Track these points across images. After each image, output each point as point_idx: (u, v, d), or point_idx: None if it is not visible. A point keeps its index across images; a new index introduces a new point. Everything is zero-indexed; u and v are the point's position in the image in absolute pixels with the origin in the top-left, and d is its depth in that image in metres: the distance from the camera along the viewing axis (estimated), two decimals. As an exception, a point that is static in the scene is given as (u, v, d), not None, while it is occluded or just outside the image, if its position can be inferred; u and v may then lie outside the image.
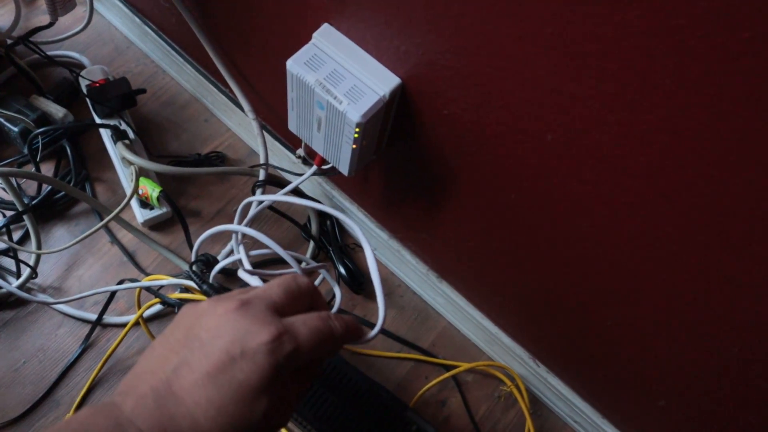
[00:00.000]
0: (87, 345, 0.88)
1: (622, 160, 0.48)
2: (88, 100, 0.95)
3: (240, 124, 1.02)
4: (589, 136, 0.48)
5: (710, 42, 0.36)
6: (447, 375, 0.90)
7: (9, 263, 0.89)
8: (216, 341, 0.40)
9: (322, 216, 0.97)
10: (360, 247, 0.98)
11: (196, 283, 0.70)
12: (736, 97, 0.38)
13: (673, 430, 0.72)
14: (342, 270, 0.93)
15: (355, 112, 0.58)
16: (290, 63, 0.61)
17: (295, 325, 0.41)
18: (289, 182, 0.83)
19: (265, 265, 0.95)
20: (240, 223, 0.57)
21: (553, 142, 0.52)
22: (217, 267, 0.71)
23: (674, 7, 0.36)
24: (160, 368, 0.40)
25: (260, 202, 0.69)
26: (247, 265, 0.63)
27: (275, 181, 0.93)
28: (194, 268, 0.72)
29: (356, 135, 0.61)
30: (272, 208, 0.91)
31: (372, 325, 0.91)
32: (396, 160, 0.73)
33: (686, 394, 0.64)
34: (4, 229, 0.91)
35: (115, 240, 0.95)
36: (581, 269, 0.62)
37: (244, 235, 0.65)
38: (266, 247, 0.57)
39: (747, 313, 0.49)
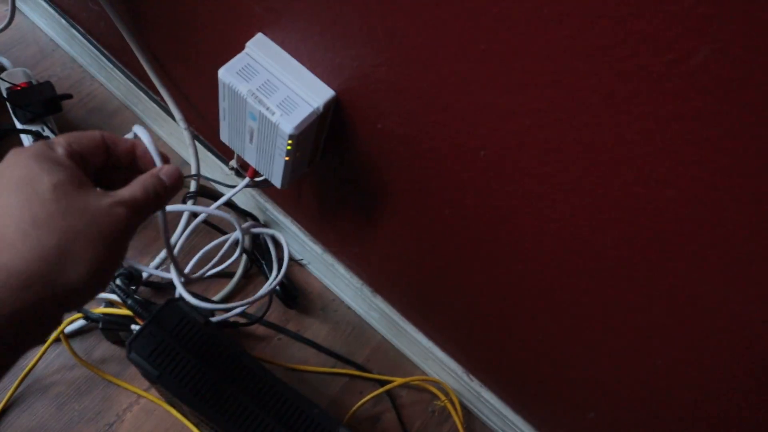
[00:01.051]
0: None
1: (551, 177, 0.48)
2: (8, 103, 0.90)
3: (171, 134, 0.99)
4: (520, 152, 0.49)
5: (635, 61, 0.37)
6: (381, 390, 0.89)
7: None
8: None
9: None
10: (294, 261, 0.96)
11: (121, 298, 0.67)
12: (662, 116, 0.39)
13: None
14: (275, 284, 0.91)
15: (287, 123, 0.57)
16: (222, 72, 0.59)
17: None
18: (221, 194, 0.81)
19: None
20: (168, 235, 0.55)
21: (485, 158, 0.52)
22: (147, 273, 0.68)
23: (593, 24, 0.37)
24: None
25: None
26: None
27: (207, 193, 0.91)
28: (117, 281, 0.69)
29: (289, 147, 0.60)
30: (205, 221, 0.89)
31: (307, 341, 0.90)
32: (330, 173, 0.73)
33: (616, 407, 0.65)
34: None
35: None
36: (512, 284, 0.63)
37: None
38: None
39: (673, 326, 0.51)
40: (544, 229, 0.53)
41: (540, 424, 0.83)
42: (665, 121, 0.38)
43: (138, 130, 0.42)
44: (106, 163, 0.42)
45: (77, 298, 0.37)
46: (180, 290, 0.65)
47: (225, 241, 0.76)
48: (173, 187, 0.42)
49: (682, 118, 0.38)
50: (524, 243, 0.56)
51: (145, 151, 0.43)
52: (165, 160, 0.43)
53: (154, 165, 0.43)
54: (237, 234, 0.71)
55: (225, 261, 0.72)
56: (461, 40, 0.45)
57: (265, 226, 0.93)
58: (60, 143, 0.39)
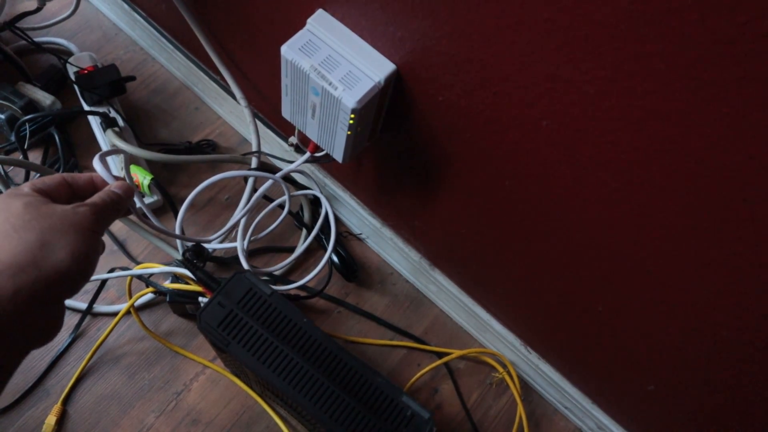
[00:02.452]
0: (77, 334, 0.88)
1: (615, 146, 0.48)
2: (76, 87, 0.94)
3: (231, 112, 1.02)
4: (584, 122, 0.49)
5: (705, 25, 0.36)
6: (439, 362, 0.91)
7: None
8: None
9: (314, 204, 0.96)
10: (353, 235, 0.98)
11: (191, 271, 0.69)
12: (731, 81, 0.38)
13: (662, 415, 0.73)
14: (335, 258, 0.93)
15: (350, 98, 0.58)
16: (285, 49, 0.61)
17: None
18: (281, 170, 0.83)
19: (260, 253, 0.95)
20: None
21: (547, 129, 0.52)
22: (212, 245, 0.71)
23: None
24: None
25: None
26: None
27: (268, 169, 0.93)
28: (187, 255, 0.71)
29: (351, 121, 0.61)
30: (266, 196, 0.91)
31: (366, 314, 0.92)
32: (390, 147, 0.73)
33: (677, 379, 0.65)
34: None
35: (105, 228, 0.94)
36: (572, 255, 0.62)
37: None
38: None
39: (738, 296, 0.50)
40: (607, 198, 0.53)
41: (598, 396, 0.83)
42: (734, 86, 0.38)
43: (95, 163, 0.48)
44: (72, 198, 0.47)
45: (66, 281, 0.42)
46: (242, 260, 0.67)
47: (277, 210, 0.77)
48: (126, 195, 0.48)
49: (753, 81, 0.37)
50: (586, 213, 0.56)
51: (102, 180, 0.48)
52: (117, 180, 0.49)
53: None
54: (285, 198, 0.73)
55: (284, 236, 0.74)
56: (524, 10, 0.45)
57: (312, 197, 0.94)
58: (26, 185, 0.45)
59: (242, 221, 0.80)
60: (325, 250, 0.93)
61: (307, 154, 0.76)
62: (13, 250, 0.40)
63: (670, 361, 0.63)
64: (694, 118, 0.42)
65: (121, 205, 0.48)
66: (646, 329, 0.62)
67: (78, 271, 0.42)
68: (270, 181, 0.70)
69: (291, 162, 0.80)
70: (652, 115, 0.44)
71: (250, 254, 0.94)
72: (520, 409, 0.88)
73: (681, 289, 0.54)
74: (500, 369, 0.91)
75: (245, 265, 0.70)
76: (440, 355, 0.92)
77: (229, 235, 0.93)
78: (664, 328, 0.60)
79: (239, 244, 0.70)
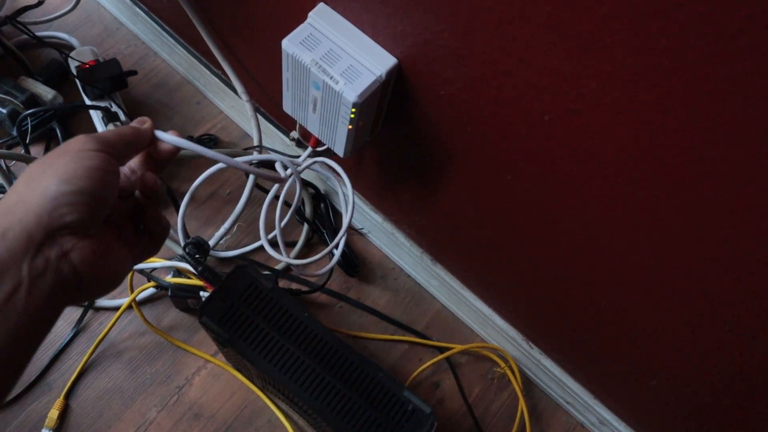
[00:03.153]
0: (79, 329, 0.88)
1: (617, 140, 0.48)
2: (77, 81, 0.93)
3: (233, 107, 1.02)
4: (586, 116, 0.48)
5: (709, 19, 0.36)
6: (441, 357, 0.91)
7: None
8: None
9: (315, 199, 0.96)
10: (355, 230, 0.98)
11: (191, 265, 0.69)
12: (733, 76, 0.38)
13: (664, 410, 0.73)
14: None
15: (351, 92, 0.58)
16: (286, 43, 0.60)
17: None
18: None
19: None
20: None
21: (549, 123, 0.52)
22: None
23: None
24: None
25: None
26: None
27: (269, 164, 0.93)
28: (188, 249, 0.71)
29: (352, 115, 0.60)
30: (265, 190, 0.90)
31: (367, 309, 0.92)
32: (391, 142, 0.73)
33: (680, 374, 0.65)
34: (-6, 212, 0.90)
35: (106, 223, 0.94)
36: (575, 250, 0.62)
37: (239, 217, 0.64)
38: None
39: (745, 293, 0.50)
40: (609, 193, 0.53)
41: (600, 391, 0.83)
42: (739, 80, 0.38)
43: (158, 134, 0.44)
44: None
45: (61, 206, 0.37)
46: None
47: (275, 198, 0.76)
48: (141, 125, 0.44)
49: (757, 75, 0.37)
50: (588, 208, 0.56)
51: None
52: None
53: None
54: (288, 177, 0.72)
55: (286, 231, 0.73)
56: (526, 3, 0.45)
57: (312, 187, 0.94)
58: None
59: (262, 216, 0.79)
60: (327, 245, 0.93)
61: (309, 149, 0.76)
62: (4, 201, 0.37)
63: (673, 356, 0.63)
64: (698, 111, 0.41)
65: (130, 137, 0.42)
66: (649, 324, 0.62)
67: (72, 191, 0.37)
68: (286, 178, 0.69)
69: (297, 156, 0.80)
70: (656, 109, 0.44)
71: (250, 251, 0.94)
72: (522, 404, 0.88)
73: (687, 283, 0.54)
74: (502, 364, 0.91)
75: (283, 256, 0.68)
76: (442, 349, 0.92)
77: (230, 231, 0.93)
78: (668, 324, 0.60)
79: (263, 239, 0.69)
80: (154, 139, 0.44)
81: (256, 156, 0.60)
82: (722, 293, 0.52)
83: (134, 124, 0.44)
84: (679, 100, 0.42)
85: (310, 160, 0.68)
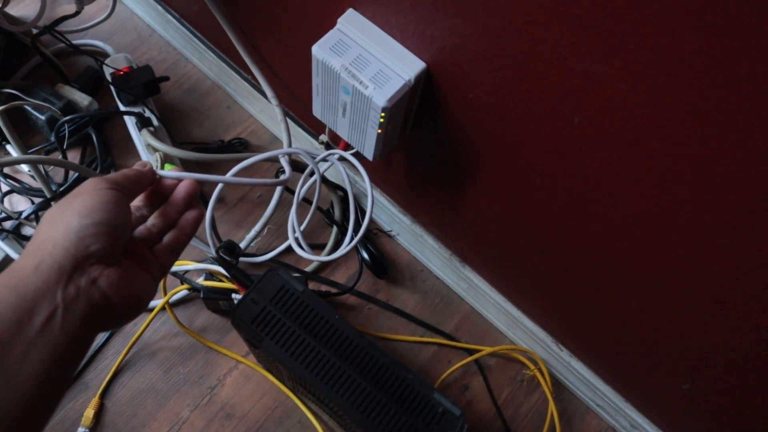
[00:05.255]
0: (114, 330, 0.90)
1: (648, 142, 0.48)
2: (112, 88, 0.96)
3: (262, 111, 1.03)
4: (616, 118, 0.48)
5: (739, 18, 0.36)
6: (470, 359, 0.91)
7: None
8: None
9: (344, 202, 0.97)
10: (383, 232, 0.98)
11: (224, 268, 0.70)
12: (757, 72, 0.37)
13: (697, 414, 0.72)
14: (365, 255, 0.94)
15: (380, 96, 0.59)
16: (316, 48, 0.61)
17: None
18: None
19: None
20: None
21: (579, 126, 0.52)
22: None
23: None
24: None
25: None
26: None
27: (299, 167, 0.94)
28: (221, 252, 0.73)
29: (382, 120, 0.61)
30: (292, 191, 0.91)
31: (396, 311, 0.92)
32: (420, 145, 0.74)
33: (714, 378, 0.64)
34: (32, 216, 0.92)
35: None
36: (604, 252, 0.62)
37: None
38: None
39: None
40: (638, 195, 0.52)
41: (631, 394, 0.82)
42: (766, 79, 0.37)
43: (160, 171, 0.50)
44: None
45: (84, 239, 0.41)
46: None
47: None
48: (143, 168, 0.49)
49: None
50: (618, 211, 0.56)
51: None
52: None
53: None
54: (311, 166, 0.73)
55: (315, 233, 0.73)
56: (553, 6, 0.45)
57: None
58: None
59: (291, 217, 0.80)
60: (357, 248, 0.94)
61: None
62: (32, 242, 0.42)
63: (707, 360, 0.62)
64: (729, 112, 0.41)
65: (134, 177, 0.47)
66: (683, 328, 0.61)
67: (92, 223, 0.41)
68: (312, 179, 0.70)
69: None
70: (687, 111, 0.43)
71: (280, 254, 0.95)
72: (552, 407, 0.88)
73: (725, 288, 0.53)
74: (531, 366, 0.91)
75: (309, 255, 0.69)
76: (471, 352, 0.92)
77: (261, 233, 0.94)
78: (703, 327, 0.59)
79: (291, 238, 0.70)
80: (156, 178, 0.50)
81: (279, 151, 0.62)
82: (761, 294, 0.51)
83: (136, 167, 0.49)
84: (710, 102, 0.41)
85: (325, 152, 0.69)
